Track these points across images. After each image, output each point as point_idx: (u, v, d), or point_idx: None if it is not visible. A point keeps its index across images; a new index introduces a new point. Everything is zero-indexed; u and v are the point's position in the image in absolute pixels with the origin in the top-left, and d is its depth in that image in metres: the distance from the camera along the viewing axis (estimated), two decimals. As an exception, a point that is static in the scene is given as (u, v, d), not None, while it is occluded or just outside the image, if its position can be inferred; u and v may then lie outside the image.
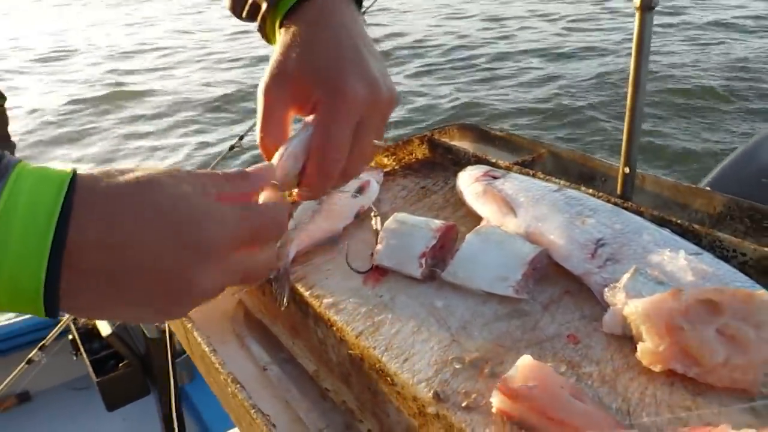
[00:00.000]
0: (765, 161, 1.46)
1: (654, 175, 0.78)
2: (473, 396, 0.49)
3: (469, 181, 0.79)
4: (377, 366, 0.54)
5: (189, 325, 0.65)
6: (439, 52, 8.11)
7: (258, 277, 0.46)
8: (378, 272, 0.67)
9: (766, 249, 0.62)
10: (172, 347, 1.62)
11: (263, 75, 0.57)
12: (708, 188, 0.74)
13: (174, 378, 1.55)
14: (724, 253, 0.64)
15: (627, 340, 0.54)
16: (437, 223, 0.68)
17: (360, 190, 0.80)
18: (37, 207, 0.36)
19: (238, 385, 0.55)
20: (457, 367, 0.52)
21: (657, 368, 0.50)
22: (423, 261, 0.64)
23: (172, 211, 0.40)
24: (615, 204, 0.71)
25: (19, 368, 1.41)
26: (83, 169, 0.40)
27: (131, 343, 1.69)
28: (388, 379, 0.53)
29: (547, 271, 0.64)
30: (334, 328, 0.60)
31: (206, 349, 0.61)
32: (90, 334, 1.81)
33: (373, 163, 0.93)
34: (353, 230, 0.77)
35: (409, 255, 0.65)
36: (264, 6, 0.59)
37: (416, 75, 7.20)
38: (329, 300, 0.63)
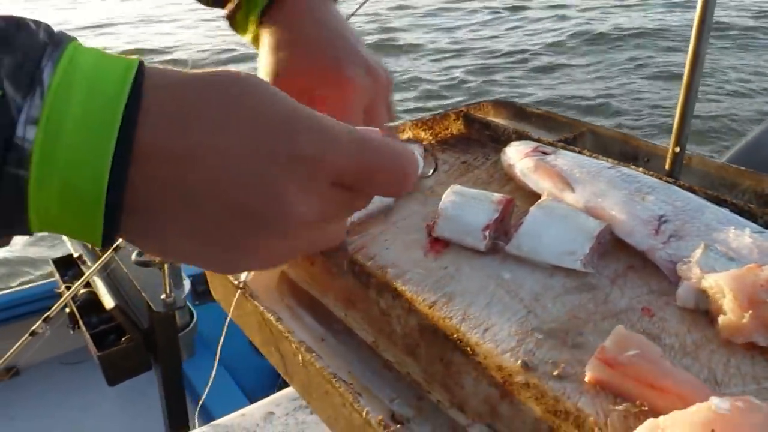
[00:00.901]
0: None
1: (699, 155, 0.79)
2: (562, 365, 0.49)
3: (518, 157, 0.78)
4: (455, 336, 0.54)
5: (246, 293, 0.64)
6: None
7: (352, 210, 0.38)
8: (439, 243, 0.66)
9: (823, 229, 0.63)
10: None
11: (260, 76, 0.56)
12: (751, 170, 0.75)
13: (180, 353, 1.54)
14: (780, 233, 0.65)
15: (701, 314, 0.55)
16: (497, 195, 0.67)
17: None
18: (101, 89, 0.29)
19: (314, 354, 0.55)
20: (539, 337, 0.53)
21: (738, 341, 0.51)
22: (487, 233, 0.64)
23: (263, 110, 0.32)
24: (667, 182, 0.71)
25: (22, 339, 1.38)
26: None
27: (135, 317, 1.67)
28: (468, 349, 0.53)
29: (609, 247, 0.64)
30: (403, 299, 0.59)
31: (270, 317, 0.60)
32: (88, 308, 1.79)
33: (411, 136, 0.93)
34: (403, 203, 0.76)
35: (472, 227, 0.64)
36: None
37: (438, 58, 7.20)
38: (394, 270, 0.62)
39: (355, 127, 0.36)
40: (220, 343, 0.76)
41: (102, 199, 0.29)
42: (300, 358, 0.56)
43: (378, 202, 0.73)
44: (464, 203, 0.67)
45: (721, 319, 0.52)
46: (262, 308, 0.61)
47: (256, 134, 0.31)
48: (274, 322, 0.60)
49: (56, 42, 0.29)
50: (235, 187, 0.31)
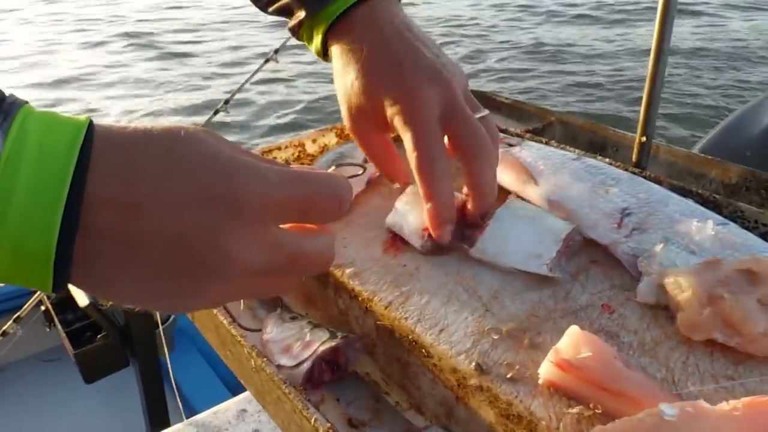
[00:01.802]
0: (748, 135, 1.48)
1: (667, 144, 0.78)
2: (516, 367, 0.48)
3: (483, 149, 0.77)
4: (410, 337, 0.53)
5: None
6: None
7: (309, 268, 0.39)
8: (400, 240, 0.65)
9: (788, 219, 0.62)
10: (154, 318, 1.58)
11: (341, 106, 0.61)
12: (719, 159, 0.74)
13: (157, 348, 1.52)
14: (745, 224, 0.64)
15: (661, 309, 0.54)
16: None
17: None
18: (50, 153, 0.30)
19: (265, 359, 0.53)
20: (495, 338, 0.51)
21: (697, 337, 0.50)
22: (425, 234, 0.62)
23: (202, 163, 0.33)
24: (633, 174, 0.70)
25: (-7, 340, 1.36)
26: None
27: (110, 314, 1.64)
28: (423, 351, 0.51)
29: (577, 248, 0.63)
30: (359, 299, 0.58)
31: (223, 320, 0.59)
32: (64, 306, 1.76)
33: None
34: (365, 198, 0.75)
35: (414, 227, 0.63)
36: (302, 14, 0.59)
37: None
38: (351, 270, 0.61)
39: (287, 168, 0.37)
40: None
41: (51, 257, 0.30)
42: (252, 363, 0.55)
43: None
44: (415, 202, 0.64)
45: (679, 315, 0.50)
46: (215, 311, 0.60)
47: (195, 183, 0.33)
48: (226, 325, 0.58)
49: (6, 110, 0.30)
50: (177, 234, 0.32)
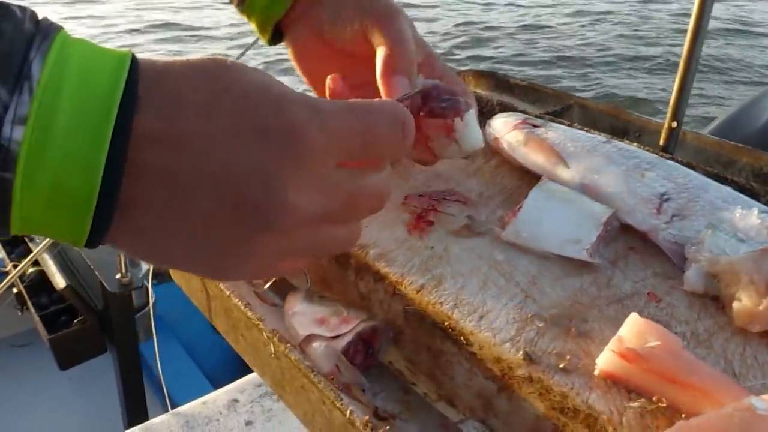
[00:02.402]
0: (748, 130, 1.48)
1: (695, 131, 0.75)
2: (567, 357, 0.44)
3: (505, 129, 0.73)
4: (447, 324, 0.49)
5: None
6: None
7: (369, 209, 0.35)
8: (424, 221, 0.61)
9: (829, 208, 0.60)
10: (133, 303, 1.52)
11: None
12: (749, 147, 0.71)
13: (137, 335, 1.45)
14: (783, 213, 0.62)
15: (710, 299, 0.51)
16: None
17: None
18: (93, 82, 0.27)
19: (288, 345, 0.49)
20: (539, 325, 0.48)
21: (754, 328, 0.47)
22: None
23: (251, 94, 0.30)
24: (665, 159, 0.67)
25: (-36, 322, 1.28)
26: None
27: (88, 298, 1.57)
28: (462, 338, 0.47)
29: (614, 234, 0.60)
30: (386, 282, 0.54)
31: (237, 302, 0.54)
32: (38, 288, 1.68)
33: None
34: (383, 177, 0.70)
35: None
36: None
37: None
38: (375, 251, 0.57)
39: (341, 101, 0.33)
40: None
41: (93, 200, 0.27)
42: (272, 348, 0.50)
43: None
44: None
45: (735, 305, 0.47)
46: (228, 292, 0.55)
47: (245, 115, 0.29)
48: (242, 308, 0.53)
49: (44, 32, 0.27)
50: (226, 174, 0.29)
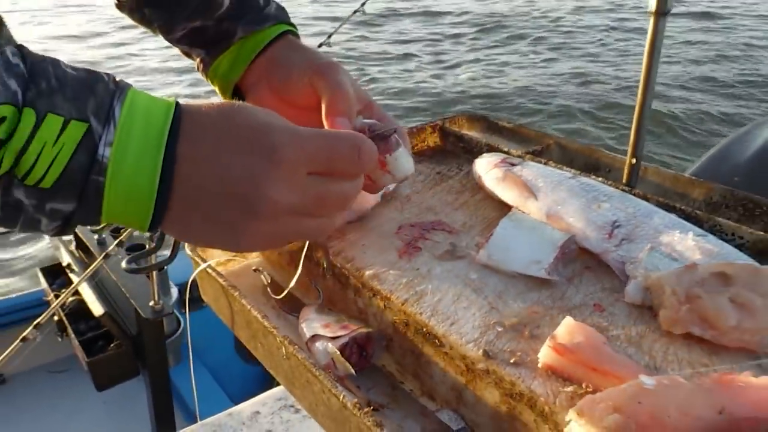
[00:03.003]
0: (736, 161, 1.57)
1: (655, 166, 0.86)
2: (518, 354, 0.55)
3: (487, 168, 0.84)
4: (424, 330, 0.60)
5: (236, 294, 0.69)
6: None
7: (333, 206, 0.48)
8: (412, 247, 0.72)
9: (761, 233, 0.70)
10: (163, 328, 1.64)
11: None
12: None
13: (168, 359, 1.57)
14: (723, 237, 0.71)
15: (646, 309, 0.61)
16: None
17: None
18: (153, 120, 0.41)
19: (296, 347, 0.60)
20: (499, 330, 0.58)
21: (677, 331, 0.57)
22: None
23: (248, 125, 0.44)
24: (623, 191, 0.77)
25: (13, 345, 1.42)
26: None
27: (123, 324, 1.70)
28: (436, 341, 0.58)
29: (573, 255, 0.70)
30: (378, 297, 0.65)
31: (257, 314, 0.66)
32: (77, 316, 1.82)
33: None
34: (380, 210, 0.82)
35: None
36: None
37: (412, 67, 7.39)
38: (370, 272, 0.68)
39: (323, 129, 0.49)
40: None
41: (154, 195, 0.41)
42: (284, 350, 0.62)
43: (354, 209, 0.79)
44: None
45: (661, 312, 0.58)
46: (249, 307, 0.67)
47: (242, 139, 0.43)
48: (260, 319, 0.65)
49: (121, 89, 0.42)
50: (227, 177, 0.43)
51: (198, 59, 0.70)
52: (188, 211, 0.43)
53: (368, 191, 0.63)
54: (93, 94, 0.40)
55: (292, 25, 0.70)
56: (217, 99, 0.51)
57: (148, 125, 0.41)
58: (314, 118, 0.62)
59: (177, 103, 0.43)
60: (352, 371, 0.58)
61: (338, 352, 0.58)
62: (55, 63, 0.41)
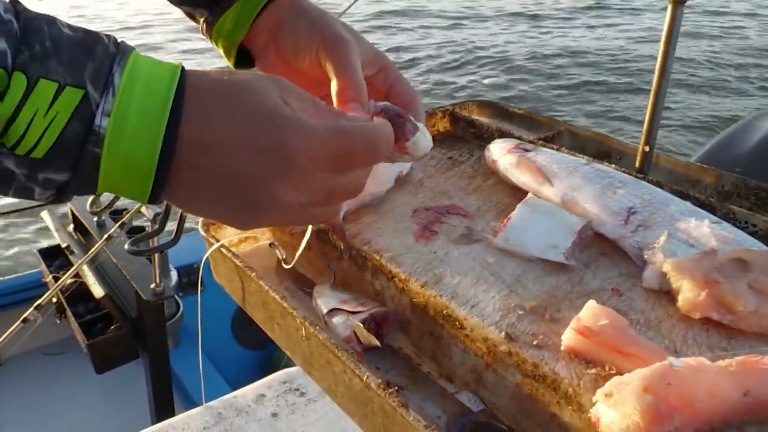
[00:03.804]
0: (737, 152, 1.58)
1: (667, 154, 0.86)
2: (540, 336, 0.55)
3: (501, 153, 0.84)
4: (445, 312, 0.60)
5: (252, 275, 0.69)
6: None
7: (342, 198, 0.47)
8: (429, 230, 0.72)
9: (774, 221, 0.71)
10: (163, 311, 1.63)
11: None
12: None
13: (167, 342, 1.57)
14: (736, 224, 0.72)
15: (664, 294, 0.62)
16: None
17: (397, 158, 0.85)
18: (155, 89, 0.39)
19: (317, 327, 0.60)
20: (520, 313, 0.59)
21: (696, 316, 0.57)
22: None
23: (263, 117, 0.41)
24: (637, 178, 0.78)
25: (14, 326, 1.41)
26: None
27: (123, 307, 1.70)
28: (457, 323, 0.59)
29: (589, 241, 0.70)
30: (396, 280, 0.65)
31: (275, 295, 0.66)
32: (76, 298, 1.81)
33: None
34: (394, 194, 0.82)
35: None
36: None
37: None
38: (388, 254, 0.68)
39: (332, 120, 0.44)
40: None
41: (153, 168, 0.39)
42: (303, 331, 0.62)
43: (369, 192, 0.79)
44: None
45: (680, 297, 0.58)
46: (267, 287, 0.67)
47: (253, 133, 0.41)
48: (278, 300, 0.65)
49: (122, 52, 0.39)
50: (235, 174, 0.41)
51: (202, 19, 0.66)
52: (191, 189, 0.42)
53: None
54: (91, 58, 0.37)
55: None
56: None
57: (150, 94, 0.38)
58: (323, 90, 0.60)
59: (182, 70, 0.40)
60: (378, 343, 0.59)
61: (361, 326, 0.58)
62: (51, 21, 0.38)
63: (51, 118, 0.36)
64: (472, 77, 6.69)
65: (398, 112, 0.58)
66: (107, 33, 0.40)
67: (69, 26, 0.38)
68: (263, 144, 0.41)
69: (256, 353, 2.40)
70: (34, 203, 0.41)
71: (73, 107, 0.37)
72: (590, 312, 0.52)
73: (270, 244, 0.78)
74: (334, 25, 0.61)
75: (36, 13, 0.38)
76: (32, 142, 0.36)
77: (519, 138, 0.91)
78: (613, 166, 0.81)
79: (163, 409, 1.76)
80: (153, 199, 0.41)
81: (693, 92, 6.20)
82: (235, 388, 2.09)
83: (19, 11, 0.37)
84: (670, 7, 0.76)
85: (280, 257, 0.75)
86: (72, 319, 1.73)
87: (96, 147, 0.37)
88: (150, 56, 0.41)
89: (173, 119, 0.39)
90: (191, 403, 1.87)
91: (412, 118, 0.58)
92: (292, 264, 0.71)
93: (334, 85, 0.58)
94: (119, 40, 0.40)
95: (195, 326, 2.35)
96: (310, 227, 0.69)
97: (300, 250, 0.68)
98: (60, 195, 0.40)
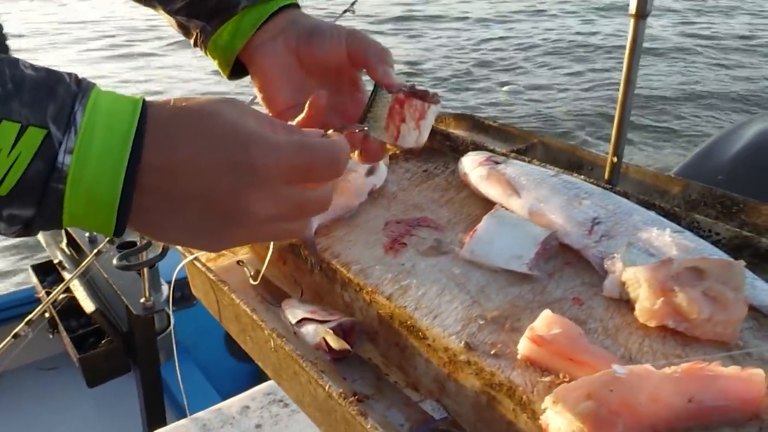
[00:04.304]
0: (720, 160, 1.60)
1: (636, 164, 0.88)
2: (499, 346, 0.57)
3: (472, 165, 0.86)
4: (408, 323, 0.61)
5: (225, 288, 0.71)
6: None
7: (311, 212, 0.48)
8: (398, 243, 0.74)
9: (736, 229, 0.72)
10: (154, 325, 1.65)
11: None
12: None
13: (158, 355, 1.58)
14: (700, 233, 0.74)
15: (623, 302, 0.63)
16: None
17: (371, 171, 0.87)
18: (115, 126, 0.39)
19: (283, 339, 0.62)
20: (481, 323, 0.60)
21: (652, 324, 0.59)
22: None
23: (225, 135, 0.42)
24: (604, 189, 0.79)
25: (5, 342, 1.42)
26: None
27: (114, 321, 1.71)
28: (420, 333, 0.60)
29: (554, 252, 0.72)
30: (364, 292, 0.66)
31: (246, 308, 0.67)
32: (68, 313, 1.82)
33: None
34: (367, 207, 0.84)
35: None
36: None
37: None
38: (357, 267, 0.70)
39: (295, 136, 0.46)
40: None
41: (116, 205, 0.40)
42: (272, 343, 0.63)
43: (341, 206, 0.80)
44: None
45: (637, 305, 0.60)
46: (238, 301, 0.68)
47: (220, 153, 0.42)
48: (249, 313, 0.66)
49: (84, 90, 0.40)
50: (207, 193, 0.42)
51: (196, 31, 0.67)
52: (159, 217, 0.43)
53: (374, 155, 0.62)
54: (53, 98, 0.39)
55: (296, 2, 0.68)
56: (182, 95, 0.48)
57: (111, 131, 0.39)
58: (326, 77, 0.64)
59: (143, 104, 0.41)
60: (347, 346, 0.60)
61: (330, 331, 0.60)
62: (13, 63, 0.39)
63: (14, 157, 0.37)
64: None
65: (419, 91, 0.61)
66: (69, 72, 0.41)
67: (32, 66, 0.40)
68: (229, 160, 0.42)
69: (249, 365, 2.41)
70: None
71: (36, 146, 0.38)
72: (544, 321, 0.54)
73: (238, 262, 0.80)
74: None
75: None
76: None
77: (491, 151, 0.92)
78: (583, 177, 0.83)
79: (154, 421, 1.76)
80: (118, 233, 0.42)
81: (675, 104, 6.31)
82: (227, 398, 2.11)
83: None
84: (632, 21, 0.78)
85: (248, 274, 0.77)
86: (64, 333, 1.74)
87: (59, 183, 0.38)
88: (111, 91, 0.42)
89: (135, 153, 0.40)
90: (183, 415, 1.87)
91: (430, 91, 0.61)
92: (258, 280, 0.73)
93: (370, 57, 0.61)
94: (81, 78, 0.41)
95: (188, 339, 2.36)
96: (272, 244, 0.71)
97: (265, 266, 0.70)
98: (26, 230, 0.41)
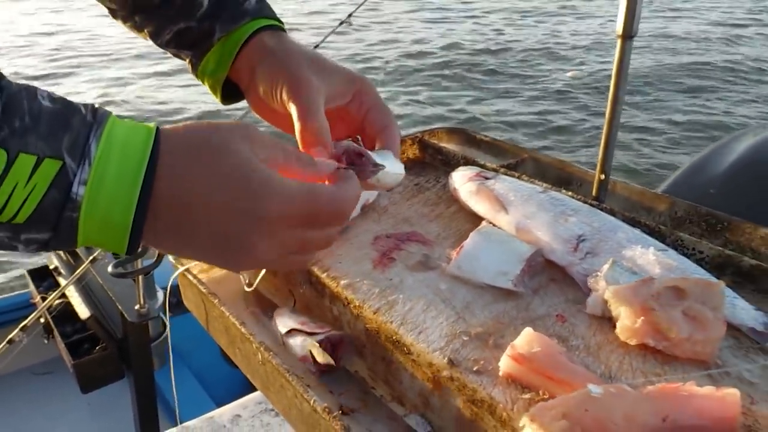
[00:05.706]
0: (712, 174, 1.61)
1: (624, 181, 0.89)
2: (481, 362, 0.58)
3: (462, 181, 0.87)
4: (394, 338, 0.62)
5: (215, 301, 0.72)
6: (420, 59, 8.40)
7: (316, 249, 0.51)
8: (387, 258, 0.75)
9: (719, 248, 0.73)
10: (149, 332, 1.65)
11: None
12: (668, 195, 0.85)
13: (152, 362, 1.59)
14: (684, 251, 0.75)
15: (606, 320, 0.64)
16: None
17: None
18: (130, 155, 0.42)
19: (271, 353, 0.63)
20: (465, 339, 0.61)
21: (632, 342, 0.60)
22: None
23: (238, 179, 0.44)
24: (591, 205, 0.81)
25: (-1, 348, 1.43)
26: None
27: (109, 327, 1.72)
28: (405, 348, 0.61)
29: (540, 268, 0.73)
30: (351, 306, 0.68)
31: (235, 321, 0.68)
32: (63, 319, 1.83)
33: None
34: (359, 221, 0.85)
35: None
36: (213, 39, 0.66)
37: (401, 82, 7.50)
38: (345, 281, 0.71)
39: (306, 183, 0.48)
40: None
41: (128, 230, 0.42)
42: (260, 356, 0.64)
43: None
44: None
45: (618, 323, 0.61)
46: (227, 314, 0.69)
47: (232, 196, 0.44)
48: (237, 325, 0.67)
49: (99, 121, 0.42)
50: (217, 231, 0.45)
51: (187, 60, 0.69)
52: (171, 243, 0.46)
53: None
54: (68, 130, 0.40)
55: (274, 17, 0.67)
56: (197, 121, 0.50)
57: (124, 163, 0.41)
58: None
59: (156, 135, 0.43)
60: (332, 362, 0.61)
61: (317, 345, 0.61)
62: (31, 95, 0.40)
63: (31, 188, 0.39)
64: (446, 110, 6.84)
65: (359, 152, 0.58)
66: (86, 103, 0.43)
67: (50, 97, 0.41)
68: (240, 207, 0.44)
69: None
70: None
71: (51, 178, 0.39)
72: (526, 339, 0.55)
73: None
74: (298, 66, 0.62)
75: (18, 85, 0.40)
76: (13, 211, 0.39)
77: (482, 166, 0.94)
78: (571, 193, 0.84)
79: (147, 428, 1.77)
80: (130, 252, 0.44)
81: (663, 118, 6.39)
82: (221, 405, 2.11)
83: (3, 86, 0.39)
84: (619, 42, 0.79)
85: (243, 281, 0.78)
86: (59, 339, 1.74)
87: (74, 212, 0.41)
88: (127, 121, 0.44)
89: (146, 184, 0.42)
90: (176, 422, 1.88)
91: (373, 158, 0.57)
92: (254, 286, 0.74)
93: (296, 129, 0.59)
94: (97, 108, 0.43)
95: (183, 345, 2.37)
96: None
97: (260, 276, 0.71)
98: (43, 249, 0.43)
